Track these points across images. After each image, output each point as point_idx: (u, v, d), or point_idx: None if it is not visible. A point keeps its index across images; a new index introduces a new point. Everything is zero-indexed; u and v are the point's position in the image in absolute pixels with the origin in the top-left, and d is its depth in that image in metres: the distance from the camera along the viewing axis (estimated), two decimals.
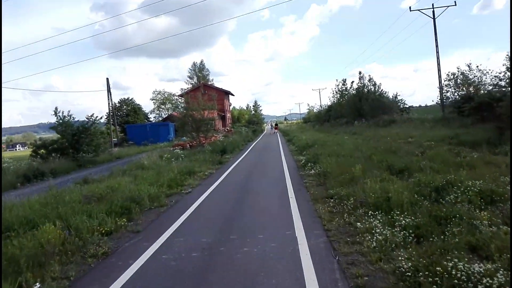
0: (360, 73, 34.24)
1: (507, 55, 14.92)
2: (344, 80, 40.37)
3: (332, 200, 6.06)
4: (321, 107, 57.88)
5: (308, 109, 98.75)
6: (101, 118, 17.89)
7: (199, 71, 75.59)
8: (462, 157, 8.43)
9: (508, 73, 14.45)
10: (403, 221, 4.17)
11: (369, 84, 33.88)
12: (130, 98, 57.37)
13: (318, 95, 66.86)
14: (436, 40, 24.73)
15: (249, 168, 11.99)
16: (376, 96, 32.53)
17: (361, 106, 33.06)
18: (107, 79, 33.36)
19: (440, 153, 8.98)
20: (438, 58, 24.97)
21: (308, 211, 5.73)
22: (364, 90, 33.93)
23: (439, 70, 25.00)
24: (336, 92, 41.15)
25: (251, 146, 23.33)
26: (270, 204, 6.54)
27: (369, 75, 33.99)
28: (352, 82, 39.95)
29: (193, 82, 68.33)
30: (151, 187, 7.92)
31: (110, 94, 33.38)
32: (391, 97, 33.24)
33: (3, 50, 6.01)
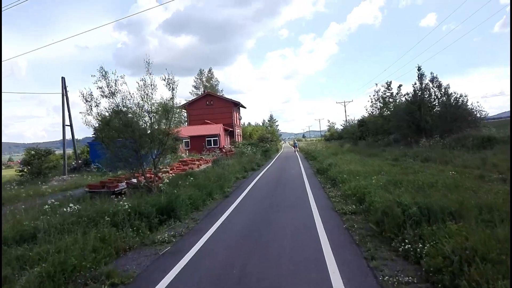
0: (419, 69, 23.42)
1: None
2: (389, 84, 29.77)
3: None
4: (347, 122, 47.23)
5: (329, 125, 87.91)
6: None
7: (207, 81, 66.66)
8: None
9: None
10: None
11: (431, 85, 23.11)
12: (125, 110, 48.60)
13: (344, 109, 56.15)
14: None
15: None
16: (448, 102, 21.71)
17: (421, 118, 22.29)
18: (63, 78, 24.23)
19: None
20: None
21: None
22: (424, 95, 23.14)
23: None
24: (376, 100, 30.46)
25: (250, 186, 11.94)
26: None
27: (431, 73, 23.15)
28: (400, 86, 29.27)
29: (199, 93, 59.27)
30: None
31: (67, 99, 24.16)
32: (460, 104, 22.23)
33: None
